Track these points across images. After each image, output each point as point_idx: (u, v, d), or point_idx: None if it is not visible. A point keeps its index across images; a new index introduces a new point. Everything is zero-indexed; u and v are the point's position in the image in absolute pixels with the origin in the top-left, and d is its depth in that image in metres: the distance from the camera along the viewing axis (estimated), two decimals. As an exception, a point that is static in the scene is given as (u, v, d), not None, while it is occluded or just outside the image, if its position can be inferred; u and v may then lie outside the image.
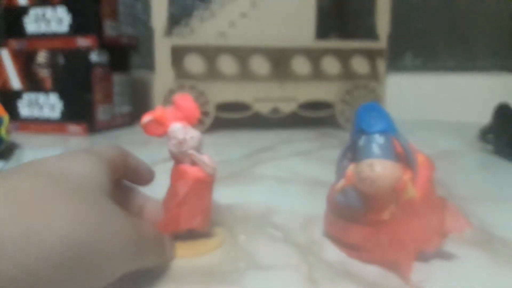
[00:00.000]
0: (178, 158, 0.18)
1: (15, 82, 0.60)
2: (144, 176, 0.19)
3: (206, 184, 0.18)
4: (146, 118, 0.18)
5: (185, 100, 0.18)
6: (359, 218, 0.18)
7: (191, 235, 0.19)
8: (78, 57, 0.56)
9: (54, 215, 0.11)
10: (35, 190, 0.12)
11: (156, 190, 0.20)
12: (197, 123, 0.59)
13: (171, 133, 0.18)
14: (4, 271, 0.10)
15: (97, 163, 0.15)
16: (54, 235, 0.11)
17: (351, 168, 0.19)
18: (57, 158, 0.14)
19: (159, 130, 0.18)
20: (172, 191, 0.18)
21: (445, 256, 0.18)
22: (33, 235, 0.11)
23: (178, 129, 0.18)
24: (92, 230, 0.12)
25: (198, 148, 0.18)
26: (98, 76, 0.58)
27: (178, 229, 0.18)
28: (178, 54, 0.56)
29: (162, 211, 0.19)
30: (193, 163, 0.18)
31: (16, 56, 0.59)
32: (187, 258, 0.18)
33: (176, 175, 0.18)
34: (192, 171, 0.18)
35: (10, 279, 0.10)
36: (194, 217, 0.18)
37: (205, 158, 0.18)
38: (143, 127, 0.18)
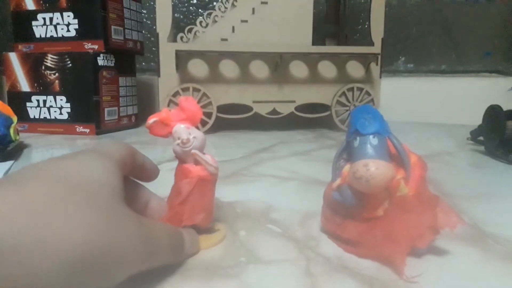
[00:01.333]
0: (182, 158, 0.19)
1: (24, 85, 0.61)
2: (150, 173, 0.19)
3: (209, 182, 0.19)
4: (152, 119, 0.19)
5: (189, 102, 0.19)
6: (354, 215, 0.19)
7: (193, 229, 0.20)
8: (86, 61, 0.58)
9: (68, 222, 0.12)
10: (50, 197, 0.12)
11: (160, 189, 0.20)
12: (200, 124, 0.60)
13: (175, 133, 0.19)
14: (20, 278, 0.10)
15: (108, 165, 0.15)
16: (69, 242, 0.11)
17: (346, 168, 0.19)
18: (70, 161, 0.14)
19: (164, 130, 0.19)
20: (176, 189, 0.19)
21: (438, 251, 0.19)
22: (49, 242, 0.11)
23: (182, 129, 0.18)
24: (105, 236, 0.12)
25: (201, 148, 0.19)
26: (105, 79, 0.59)
27: (181, 225, 0.18)
28: (181, 59, 0.58)
29: (167, 208, 0.19)
30: (197, 162, 0.19)
31: (24, 59, 0.61)
32: None
33: (180, 174, 0.19)
34: (195, 170, 0.18)
35: (26, 286, 0.10)
36: (197, 214, 0.19)
37: (208, 157, 0.19)
38: (148, 128, 0.19)
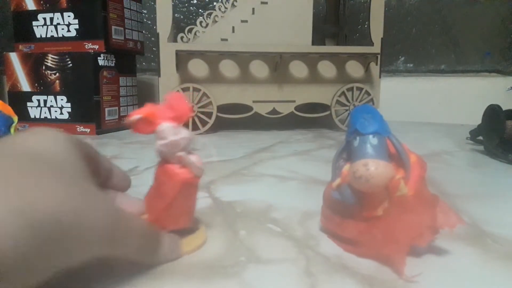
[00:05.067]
0: (166, 158, 0.17)
1: (24, 85, 0.61)
2: (103, 165, 0.18)
3: (193, 185, 0.18)
4: (135, 116, 0.17)
5: (177, 99, 0.17)
6: (354, 214, 0.19)
7: (175, 232, 0.19)
8: (86, 61, 0.58)
9: (38, 192, 0.12)
10: (18, 168, 0.12)
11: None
12: (201, 124, 0.61)
13: (161, 132, 0.17)
14: None
15: (70, 143, 0.15)
16: (41, 211, 0.11)
17: (346, 167, 0.19)
18: (31, 136, 0.14)
19: (148, 128, 0.17)
20: (158, 191, 0.18)
21: (438, 251, 0.19)
22: (22, 212, 0.11)
23: (168, 128, 0.17)
24: (73, 208, 0.12)
25: (187, 148, 0.17)
26: (105, 79, 0.59)
27: (165, 230, 0.18)
28: (182, 59, 0.58)
29: (144, 208, 0.18)
30: (181, 163, 0.17)
31: (25, 59, 0.61)
32: None
33: (164, 175, 0.17)
34: (181, 173, 0.17)
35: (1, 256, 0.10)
36: (180, 218, 0.18)
37: (194, 158, 0.18)
38: (131, 125, 0.17)
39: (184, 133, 0.17)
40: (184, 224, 0.18)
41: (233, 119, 0.61)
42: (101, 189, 0.18)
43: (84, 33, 0.59)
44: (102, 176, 0.18)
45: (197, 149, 0.47)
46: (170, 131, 0.17)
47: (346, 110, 0.62)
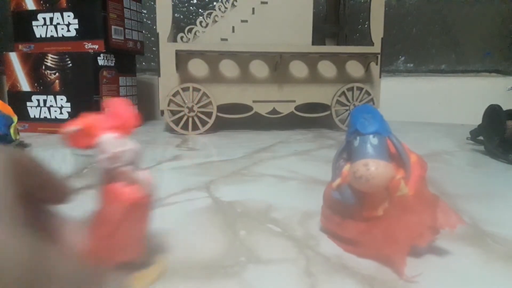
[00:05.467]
0: (110, 175, 0.15)
1: (24, 84, 0.61)
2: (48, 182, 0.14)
3: (143, 206, 0.15)
4: (72, 127, 0.15)
5: (120, 106, 0.16)
6: (354, 214, 0.19)
7: (126, 266, 0.16)
8: (86, 61, 0.58)
9: None
10: None
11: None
12: (201, 124, 0.61)
13: (102, 145, 0.15)
14: None
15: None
16: None
17: (346, 168, 0.19)
18: None
19: (86, 141, 0.15)
20: (102, 216, 0.15)
21: (438, 251, 0.19)
22: None
23: (109, 140, 0.15)
24: None
25: (134, 163, 0.15)
26: (105, 78, 0.59)
27: (111, 263, 0.15)
28: (181, 59, 0.58)
29: (88, 238, 0.15)
30: (128, 182, 0.15)
31: (25, 59, 0.61)
32: None
33: (108, 197, 0.15)
34: (127, 192, 0.15)
35: None
36: (129, 247, 0.15)
37: (142, 175, 0.15)
38: (66, 138, 0.15)
39: (129, 144, 0.15)
40: (134, 254, 0.16)
41: (233, 119, 0.61)
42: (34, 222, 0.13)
43: (84, 33, 0.59)
44: (47, 192, 0.14)
45: (197, 149, 0.47)
46: (111, 143, 0.15)
47: (346, 110, 0.62)
